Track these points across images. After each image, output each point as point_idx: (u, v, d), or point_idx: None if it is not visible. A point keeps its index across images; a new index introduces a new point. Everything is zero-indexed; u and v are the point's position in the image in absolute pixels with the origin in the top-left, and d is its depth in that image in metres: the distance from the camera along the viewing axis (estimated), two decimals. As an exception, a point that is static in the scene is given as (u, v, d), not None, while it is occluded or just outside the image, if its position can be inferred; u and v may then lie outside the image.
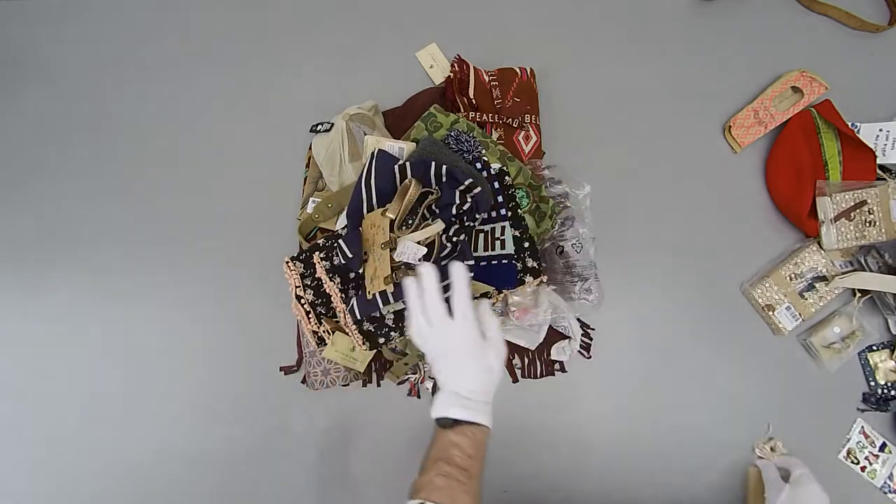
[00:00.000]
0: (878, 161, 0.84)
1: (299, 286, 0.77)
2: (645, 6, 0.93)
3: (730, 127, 0.89)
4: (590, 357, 0.83)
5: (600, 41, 0.93)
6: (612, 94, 0.91)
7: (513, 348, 0.82)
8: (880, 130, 0.85)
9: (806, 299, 0.83)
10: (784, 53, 0.90)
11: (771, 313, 0.83)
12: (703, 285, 0.86)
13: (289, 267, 0.78)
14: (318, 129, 0.82)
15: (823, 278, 0.83)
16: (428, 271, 0.57)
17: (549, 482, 0.82)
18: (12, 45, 0.94)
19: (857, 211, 0.82)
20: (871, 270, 0.83)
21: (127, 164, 0.90)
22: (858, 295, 0.84)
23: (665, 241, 0.86)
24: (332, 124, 0.82)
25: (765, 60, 0.91)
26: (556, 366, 0.83)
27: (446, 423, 0.55)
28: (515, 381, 0.83)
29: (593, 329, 0.84)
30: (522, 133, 0.87)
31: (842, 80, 0.88)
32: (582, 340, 0.82)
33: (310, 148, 0.86)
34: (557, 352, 0.82)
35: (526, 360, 0.83)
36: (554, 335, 0.82)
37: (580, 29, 0.93)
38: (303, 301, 0.77)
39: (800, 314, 0.83)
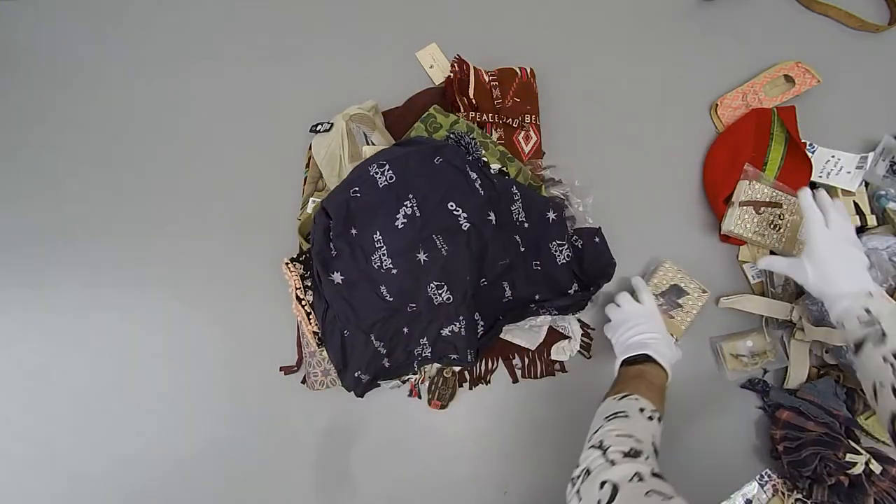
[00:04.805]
0: (814, 178, 0.83)
1: (299, 287, 0.77)
2: (645, 6, 0.93)
3: (717, 106, 0.88)
4: (590, 357, 0.83)
5: (600, 41, 0.93)
6: (613, 94, 0.91)
7: (513, 348, 0.82)
8: (832, 157, 0.83)
9: (674, 318, 0.80)
10: (784, 53, 0.90)
11: None
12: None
13: (288, 268, 0.78)
14: (318, 129, 0.82)
15: (684, 292, 0.80)
16: None
17: (550, 482, 0.82)
18: (11, 44, 0.93)
19: (769, 209, 0.80)
20: (773, 285, 0.80)
21: (127, 164, 0.90)
22: (763, 316, 0.81)
23: (667, 240, 0.86)
24: (332, 124, 0.82)
25: (765, 60, 0.91)
26: (556, 366, 0.83)
27: None
28: (515, 381, 0.83)
29: (593, 329, 0.84)
30: (522, 133, 0.87)
31: (841, 79, 0.88)
32: (582, 340, 0.82)
33: (310, 148, 0.86)
34: (557, 352, 0.82)
35: (526, 360, 0.83)
36: (554, 335, 0.82)
37: (580, 29, 0.93)
38: (303, 302, 0.77)
39: (673, 335, 0.78)
